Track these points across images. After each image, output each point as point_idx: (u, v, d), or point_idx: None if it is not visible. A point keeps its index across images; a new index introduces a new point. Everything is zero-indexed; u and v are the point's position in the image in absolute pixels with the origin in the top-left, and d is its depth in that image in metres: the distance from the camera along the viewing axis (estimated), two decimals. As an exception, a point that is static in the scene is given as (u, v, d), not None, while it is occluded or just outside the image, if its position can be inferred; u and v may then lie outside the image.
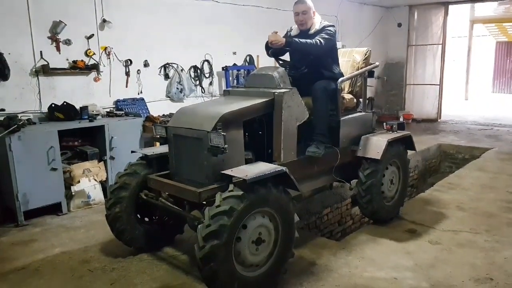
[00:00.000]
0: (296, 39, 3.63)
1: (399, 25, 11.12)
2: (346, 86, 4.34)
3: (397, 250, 3.74)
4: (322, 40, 3.66)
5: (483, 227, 4.22)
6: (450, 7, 10.68)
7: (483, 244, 3.85)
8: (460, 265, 3.45)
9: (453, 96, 16.26)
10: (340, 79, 3.89)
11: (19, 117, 4.62)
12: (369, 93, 4.50)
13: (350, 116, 4.17)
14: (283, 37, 3.98)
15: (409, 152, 4.58)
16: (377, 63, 4.39)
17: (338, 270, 3.36)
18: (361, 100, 4.40)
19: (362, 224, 5.50)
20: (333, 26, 3.85)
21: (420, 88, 11.33)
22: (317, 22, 3.88)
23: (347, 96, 4.23)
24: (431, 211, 4.71)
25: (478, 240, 3.94)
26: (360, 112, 4.36)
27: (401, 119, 9.94)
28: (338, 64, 4.06)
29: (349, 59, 4.40)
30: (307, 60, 3.90)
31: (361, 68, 4.29)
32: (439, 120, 11.15)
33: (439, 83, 11.02)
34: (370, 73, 4.33)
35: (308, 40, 3.65)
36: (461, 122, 10.90)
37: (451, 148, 8.16)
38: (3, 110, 4.79)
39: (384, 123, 4.46)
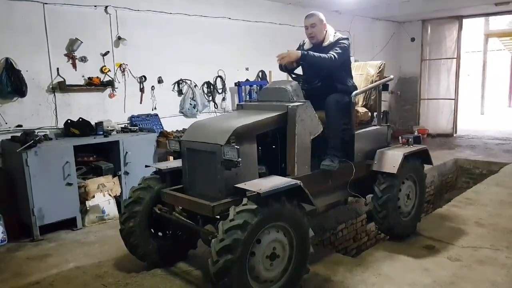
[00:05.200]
0: (311, 52, 3.63)
1: (412, 39, 11.10)
2: (360, 99, 4.31)
3: (415, 267, 3.64)
4: (335, 55, 3.65)
5: (503, 244, 4.09)
6: (464, 21, 10.62)
7: (505, 261, 3.72)
8: (481, 283, 3.34)
9: (469, 111, 16.07)
10: (354, 92, 3.86)
11: (36, 133, 4.70)
12: (383, 108, 4.45)
13: (364, 129, 4.14)
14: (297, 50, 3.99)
15: (425, 167, 4.50)
16: (391, 76, 4.37)
17: (354, 287, 3.28)
18: (375, 113, 4.36)
19: (378, 241, 5.39)
20: (347, 39, 3.84)
21: (434, 102, 11.22)
22: (331, 34, 3.88)
23: (361, 110, 4.19)
24: (449, 227, 4.60)
25: (499, 256, 3.82)
26: (375, 125, 4.32)
27: (416, 134, 9.80)
28: (351, 77, 4.03)
29: (362, 73, 4.39)
30: (320, 74, 3.89)
31: (375, 82, 4.26)
32: (454, 135, 10.99)
33: (454, 98, 10.90)
34: (385, 86, 4.30)
35: (322, 55, 3.63)
36: (478, 137, 10.73)
37: (468, 163, 8.01)
38: (20, 126, 4.88)
39: (400, 137, 4.40)
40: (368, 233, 5.56)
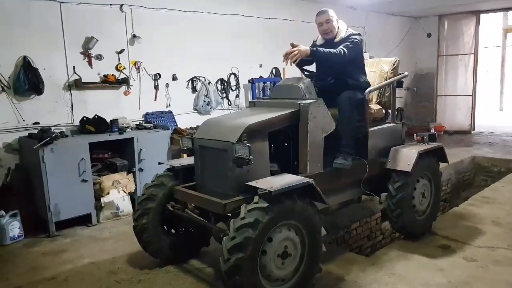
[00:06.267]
0: (320, 48, 3.59)
1: (429, 35, 10.91)
2: (374, 96, 4.26)
3: (430, 266, 3.59)
4: (345, 50, 3.60)
5: (521, 244, 4.01)
6: (482, 16, 10.40)
7: (522, 262, 3.65)
8: (497, 283, 3.28)
9: (487, 107, 15.72)
10: (367, 89, 3.81)
11: (52, 130, 4.77)
12: (398, 104, 4.39)
13: (378, 127, 4.09)
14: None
15: (441, 165, 4.42)
16: (406, 73, 4.29)
17: (367, 287, 3.25)
18: (389, 111, 4.30)
19: (393, 240, 5.32)
20: (359, 34, 3.80)
21: (451, 99, 11.03)
22: (343, 30, 3.84)
23: (375, 107, 4.14)
24: (465, 226, 4.52)
25: (517, 257, 3.74)
26: (389, 123, 4.26)
27: (432, 131, 9.65)
28: (364, 74, 3.98)
29: (376, 69, 4.33)
30: (333, 71, 3.85)
31: (390, 78, 4.20)
32: (472, 132, 10.78)
33: (471, 94, 10.69)
34: (399, 83, 4.23)
35: (332, 50, 3.59)
36: (496, 134, 10.50)
37: (486, 161, 7.84)
38: (37, 123, 4.96)
39: (415, 134, 4.34)
40: (383, 231, 5.49)
